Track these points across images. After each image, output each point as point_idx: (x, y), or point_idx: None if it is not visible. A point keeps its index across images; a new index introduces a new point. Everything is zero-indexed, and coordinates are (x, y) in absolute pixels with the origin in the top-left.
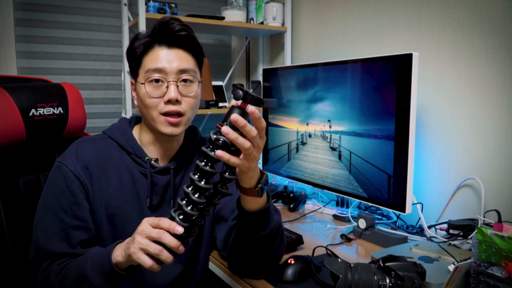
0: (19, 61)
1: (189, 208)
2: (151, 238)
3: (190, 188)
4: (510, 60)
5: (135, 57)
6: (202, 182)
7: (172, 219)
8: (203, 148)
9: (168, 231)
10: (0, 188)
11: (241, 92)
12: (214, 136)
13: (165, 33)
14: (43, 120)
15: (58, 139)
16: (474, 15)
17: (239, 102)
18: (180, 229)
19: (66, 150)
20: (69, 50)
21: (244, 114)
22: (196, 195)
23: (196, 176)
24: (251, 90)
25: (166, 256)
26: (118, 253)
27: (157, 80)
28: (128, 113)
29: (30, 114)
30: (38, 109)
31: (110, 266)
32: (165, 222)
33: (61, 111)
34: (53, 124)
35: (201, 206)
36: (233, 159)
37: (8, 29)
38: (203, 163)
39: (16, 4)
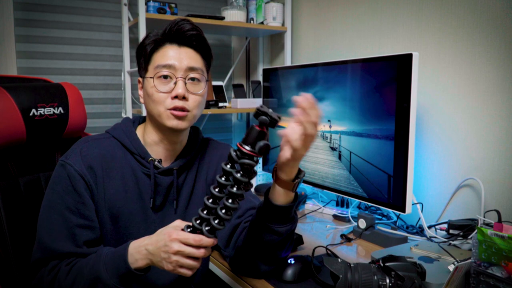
0: (19, 61)
1: (216, 222)
2: (192, 256)
3: (210, 201)
4: (510, 60)
5: (146, 54)
6: (229, 201)
7: (195, 230)
8: (223, 165)
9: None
10: (0, 188)
11: (266, 119)
12: (234, 153)
13: (176, 32)
14: (44, 120)
15: (58, 139)
16: (474, 15)
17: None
18: (216, 242)
19: (70, 149)
20: (69, 50)
21: (265, 135)
22: (223, 211)
23: (217, 191)
24: (270, 110)
25: (200, 264)
26: (141, 262)
27: (165, 76)
28: (128, 113)
29: (31, 114)
30: (39, 109)
31: (127, 269)
32: (205, 240)
33: (62, 111)
34: (54, 124)
35: (227, 220)
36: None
37: (8, 29)
38: (225, 180)
39: (16, 4)
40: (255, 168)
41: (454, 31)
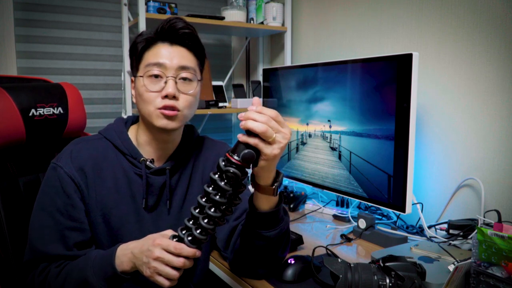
0: (19, 61)
1: (198, 232)
2: (171, 265)
3: (197, 211)
4: (510, 60)
5: (137, 52)
6: (212, 210)
7: (180, 239)
8: (212, 175)
9: (186, 256)
10: (0, 188)
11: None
12: (223, 163)
13: (168, 30)
14: (43, 120)
15: (58, 139)
16: (474, 15)
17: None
18: (199, 254)
19: (62, 151)
20: (69, 50)
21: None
22: (205, 221)
23: (204, 200)
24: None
25: (180, 275)
26: (126, 265)
27: (156, 76)
28: (128, 113)
29: (30, 114)
30: (38, 109)
31: (114, 272)
32: (186, 250)
33: (61, 111)
34: (53, 124)
35: (209, 230)
36: (260, 144)
37: (8, 29)
38: (211, 189)
39: (16, 4)
40: (245, 182)
41: (454, 31)
